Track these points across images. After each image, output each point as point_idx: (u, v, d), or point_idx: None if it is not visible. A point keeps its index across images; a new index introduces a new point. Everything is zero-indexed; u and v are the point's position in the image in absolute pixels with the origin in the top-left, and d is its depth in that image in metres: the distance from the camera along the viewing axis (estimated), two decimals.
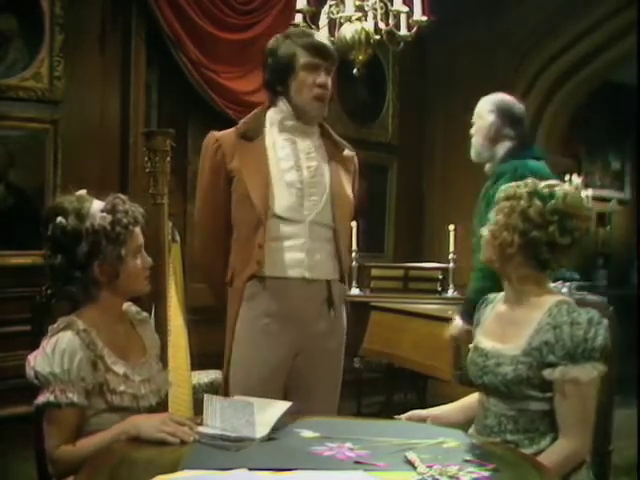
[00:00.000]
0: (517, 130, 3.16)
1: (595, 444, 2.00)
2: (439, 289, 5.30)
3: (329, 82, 2.47)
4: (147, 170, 3.15)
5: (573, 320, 1.89)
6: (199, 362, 3.51)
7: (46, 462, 1.84)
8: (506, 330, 2.02)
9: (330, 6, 4.26)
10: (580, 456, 1.91)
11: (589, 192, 7.32)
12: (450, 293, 5.18)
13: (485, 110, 3.23)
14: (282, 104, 2.48)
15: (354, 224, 4.61)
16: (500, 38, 5.97)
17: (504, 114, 3.18)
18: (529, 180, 2.03)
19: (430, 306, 4.67)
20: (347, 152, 2.58)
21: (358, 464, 1.57)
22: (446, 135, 6.47)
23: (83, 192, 1.94)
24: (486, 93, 5.82)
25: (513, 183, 2.04)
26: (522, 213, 1.96)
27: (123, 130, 4.97)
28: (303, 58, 2.43)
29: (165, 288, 3.11)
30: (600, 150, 8.66)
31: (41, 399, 1.75)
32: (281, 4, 5.42)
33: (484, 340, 2.06)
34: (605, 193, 8.54)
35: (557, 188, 1.98)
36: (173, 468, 1.50)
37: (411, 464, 1.56)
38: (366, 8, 4.05)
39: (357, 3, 4.03)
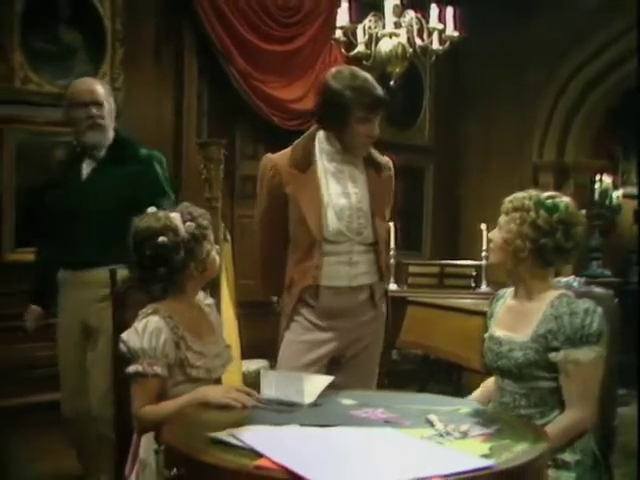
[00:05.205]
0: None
1: (601, 420, 2.26)
2: (473, 285, 5.49)
3: (377, 128, 2.68)
4: (203, 177, 3.43)
5: (572, 310, 2.18)
6: (247, 352, 3.79)
7: (125, 427, 2.20)
8: (516, 321, 2.30)
9: (369, 20, 4.54)
10: (582, 424, 2.18)
11: (619, 192, 7.43)
12: (483, 288, 5.35)
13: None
14: (332, 138, 2.69)
15: (391, 224, 4.90)
16: (531, 44, 6.08)
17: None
18: (532, 192, 2.31)
19: (464, 301, 4.84)
20: (385, 173, 2.81)
21: (387, 423, 1.87)
22: (480, 138, 6.61)
23: (154, 209, 2.22)
24: (518, 97, 5.94)
25: (519, 195, 2.30)
26: (532, 224, 2.24)
27: (177, 137, 5.25)
28: (359, 113, 2.60)
29: (218, 283, 3.37)
30: (636, 150, 8.73)
31: (132, 369, 2.08)
32: (322, 17, 5.65)
33: (497, 330, 2.35)
34: None
35: (557, 199, 2.28)
36: (238, 425, 1.81)
37: (431, 423, 1.85)
38: (403, 25, 4.32)
39: (394, 20, 4.32)
